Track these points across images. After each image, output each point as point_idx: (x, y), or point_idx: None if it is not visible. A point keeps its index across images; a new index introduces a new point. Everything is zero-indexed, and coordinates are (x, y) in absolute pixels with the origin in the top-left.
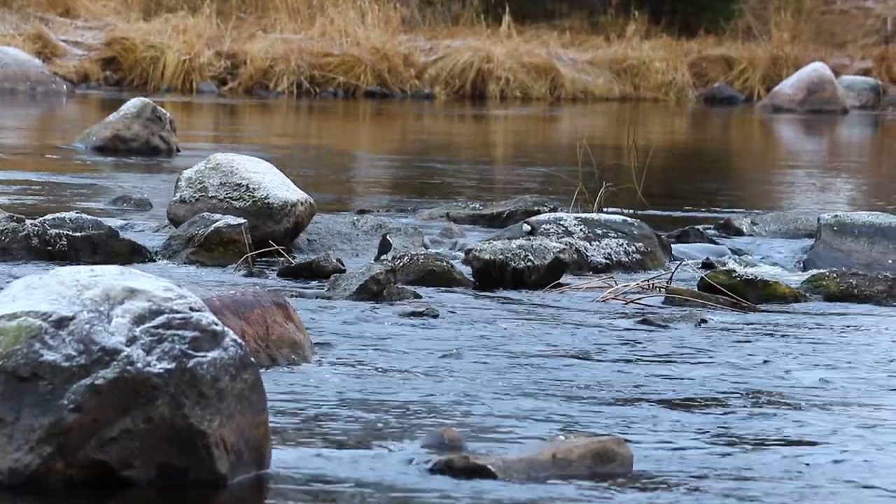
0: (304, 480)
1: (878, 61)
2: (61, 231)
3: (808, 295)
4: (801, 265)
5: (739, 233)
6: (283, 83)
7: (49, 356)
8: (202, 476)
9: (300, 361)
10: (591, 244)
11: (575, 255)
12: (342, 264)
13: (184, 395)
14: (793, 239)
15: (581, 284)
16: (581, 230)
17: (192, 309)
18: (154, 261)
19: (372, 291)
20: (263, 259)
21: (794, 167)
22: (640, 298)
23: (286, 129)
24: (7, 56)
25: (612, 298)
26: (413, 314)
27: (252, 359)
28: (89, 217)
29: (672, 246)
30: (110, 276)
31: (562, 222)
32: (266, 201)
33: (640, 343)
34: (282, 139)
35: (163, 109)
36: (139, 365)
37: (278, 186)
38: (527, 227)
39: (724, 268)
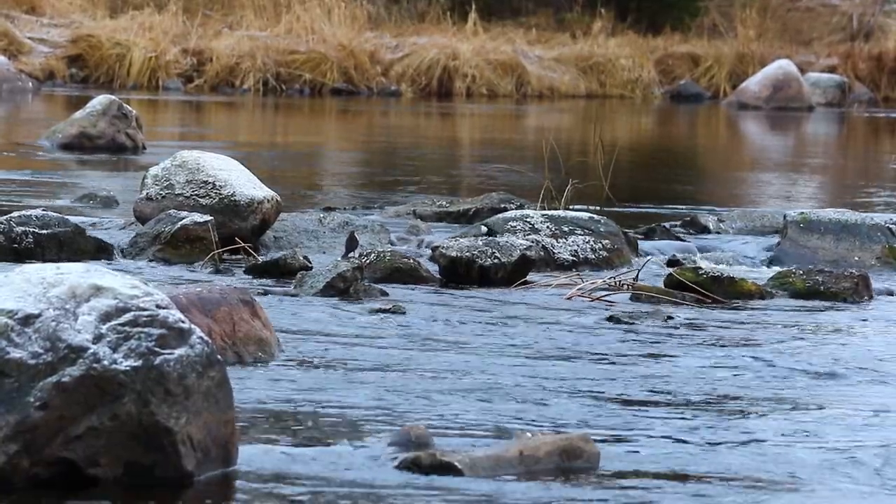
0: (270, 478)
1: (844, 58)
2: (27, 229)
3: (774, 292)
4: (768, 262)
5: (706, 230)
6: (249, 80)
7: (15, 353)
8: (168, 473)
9: (267, 359)
10: (557, 241)
11: (542, 253)
12: (309, 261)
13: (150, 392)
14: (759, 236)
15: (548, 282)
16: (548, 227)
17: (158, 306)
18: (120, 258)
19: (339, 289)
20: (230, 256)
21: (761, 164)
22: (606, 295)
23: (252, 126)
24: None
25: (579, 296)
26: (380, 311)
27: (219, 356)
28: (55, 215)
29: (638, 243)
30: (76, 273)
31: (528, 220)
32: (232, 198)
33: (606, 340)
34: (248, 136)
35: (129, 107)
36: (105, 362)
37: (245, 184)
38: (484, 229)
39: (691, 265)
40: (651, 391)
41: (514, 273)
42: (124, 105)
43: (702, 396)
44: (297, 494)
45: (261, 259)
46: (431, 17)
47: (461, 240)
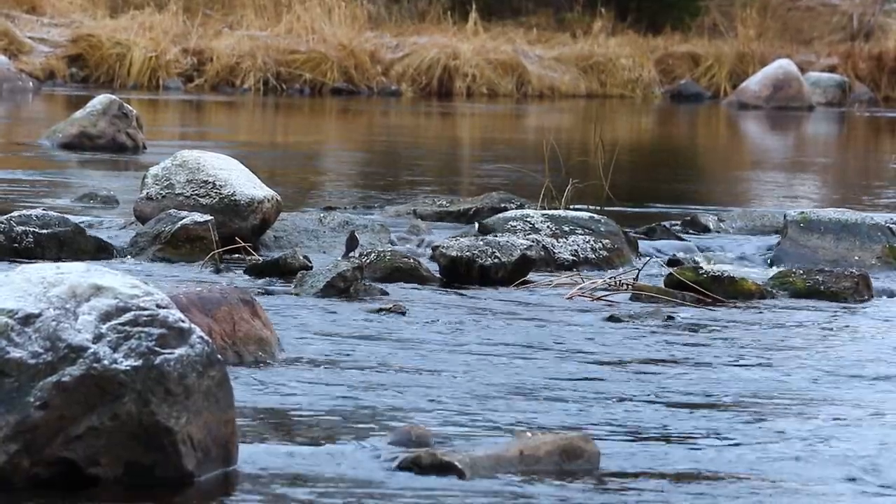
0: (270, 477)
1: (844, 58)
2: (27, 228)
3: (774, 291)
4: (768, 262)
5: (706, 229)
6: (249, 80)
7: (15, 353)
8: (169, 473)
9: (267, 358)
10: (557, 241)
11: (542, 252)
12: (309, 261)
13: (150, 392)
14: (759, 235)
15: (548, 281)
16: (548, 227)
17: (158, 306)
18: (121, 258)
19: (339, 288)
20: (230, 256)
21: (761, 164)
22: (607, 295)
23: (253, 125)
24: None
25: (580, 295)
26: (380, 311)
27: (219, 356)
28: (56, 214)
29: (639, 243)
30: (76, 273)
31: (529, 219)
32: (233, 198)
33: (606, 340)
34: (248, 136)
35: (129, 106)
36: (106, 362)
37: (245, 183)
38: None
39: (691, 264)
40: (651, 391)
41: (514, 273)
42: (125, 105)
43: (702, 396)
44: (298, 494)
45: (261, 259)
46: (432, 17)
47: (461, 239)
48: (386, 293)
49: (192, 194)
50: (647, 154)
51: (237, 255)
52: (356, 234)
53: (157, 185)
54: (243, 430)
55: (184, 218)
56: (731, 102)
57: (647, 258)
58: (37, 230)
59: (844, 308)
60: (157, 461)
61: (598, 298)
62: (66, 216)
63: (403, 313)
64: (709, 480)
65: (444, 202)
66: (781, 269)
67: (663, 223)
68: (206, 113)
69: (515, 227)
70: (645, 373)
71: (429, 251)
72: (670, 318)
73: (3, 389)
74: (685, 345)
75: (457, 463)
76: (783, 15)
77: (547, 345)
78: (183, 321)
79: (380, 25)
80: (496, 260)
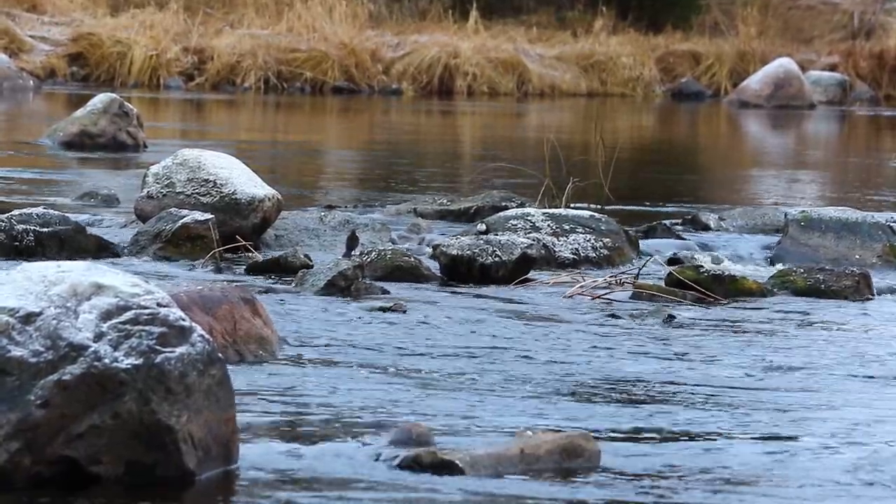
0: (271, 476)
1: (845, 57)
2: (28, 227)
3: (775, 290)
4: (769, 260)
5: (707, 228)
6: (250, 79)
7: (16, 352)
8: (170, 472)
9: (268, 357)
10: (558, 240)
11: (542, 251)
12: (310, 260)
13: (151, 390)
14: (760, 234)
15: (549, 280)
16: (548, 226)
17: (159, 305)
18: (121, 256)
19: (340, 287)
20: (231, 255)
21: (762, 163)
22: (607, 294)
23: (253, 124)
24: None
25: (580, 294)
26: (381, 309)
27: (220, 354)
28: (56, 213)
29: (639, 241)
30: (77, 271)
31: (529, 218)
32: (233, 197)
33: (607, 338)
34: (249, 135)
35: (130, 105)
36: (106, 360)
37: (245, 182)
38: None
39: (692, 263)
40: (653, 389)
41: (514, 271)
42: (125, 103)
43: (704, 395)
44: (298, 493)
45: (262, 257)
46: (433, 16)
47: (462, 238)
48: (386, 292)
49: (192, 193)
50: (647, 153)
51: (238, 254)
52: (357, 232)
53: (157, 183)
54: (244, 428)
55: (184, 216)
56: (732, 101)
57: (648, 257)
58: (37, 228)
59: (845, 307)
60: (158, 460)
61: (599, 297)
62: (66, 215)
63: (404, 312)
64: (710, 480)
65: (445, 201)
66: (782, 267)
67: (664, 222)
68: (207, 111)
69: (516, 225)
70: (646, 371)
71: (429, 250)
72: (671, 316)
73: (5, 388)
74: (685, 344)
75: (457, 462)
76: (784, 13)
77: (547, 343)
78: (183, 320)
79: (381, 24)
80: (496, 258)
